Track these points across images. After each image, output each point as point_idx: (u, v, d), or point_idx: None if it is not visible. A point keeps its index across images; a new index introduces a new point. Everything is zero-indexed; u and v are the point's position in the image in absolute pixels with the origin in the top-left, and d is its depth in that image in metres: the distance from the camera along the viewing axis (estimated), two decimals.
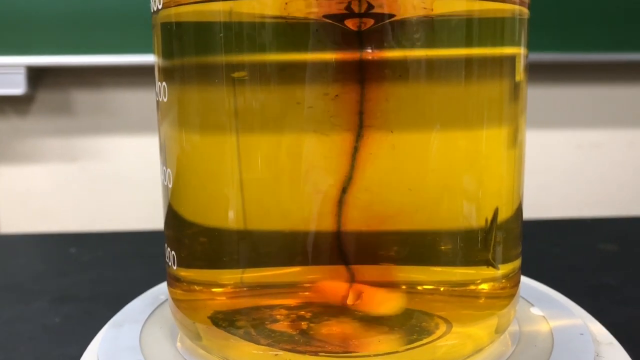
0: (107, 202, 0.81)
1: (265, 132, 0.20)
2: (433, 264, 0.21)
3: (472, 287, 0.22)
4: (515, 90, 0.22)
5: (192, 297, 0.23)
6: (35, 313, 0.38)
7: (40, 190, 0.81)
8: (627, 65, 0.83)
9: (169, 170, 0.23)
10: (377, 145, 0.20)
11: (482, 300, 0.22)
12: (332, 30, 0.19)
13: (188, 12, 0.21)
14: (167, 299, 0.28)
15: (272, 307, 0.22)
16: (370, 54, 0.19)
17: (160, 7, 0.22)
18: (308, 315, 0.21)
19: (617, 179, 0.86)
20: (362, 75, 0.19)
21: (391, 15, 0.19)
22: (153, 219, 0.71)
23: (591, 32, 0.78)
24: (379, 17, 0.19)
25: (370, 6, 0.19)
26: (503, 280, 0.23)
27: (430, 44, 0.20)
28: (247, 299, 0.22)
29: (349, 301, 0.21)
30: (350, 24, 0.19)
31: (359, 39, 0.19)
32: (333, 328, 0.21)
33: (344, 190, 0.20)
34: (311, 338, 0.21)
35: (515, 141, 0.23)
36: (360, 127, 0.20)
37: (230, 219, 0.21)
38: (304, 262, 0.21)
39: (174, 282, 0.24)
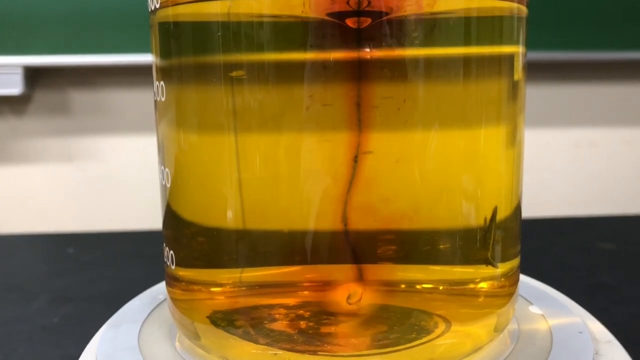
0: (104, 202, 0.81)
1: (263, 131, 0.20)
2: (432, 263, 0.21)
3: (471, 285, 0.22)
4: (514, 89, 0.22)
5: (190, 297, 0.23)
6: (34, 313, 0.38)
7: (38, 190, 0.81)
8: (624, 64, 0.83)
9: (167, 169, 0.23)
10: (375, 144, 0.20)
11: (481, 299, 0.22)
12: (331, 29, 0.19)
13: (186, 12, 0.21)
14: (165, 299, 0.28)
15: (270, 307, 0.22)
16: (368, 52, 0.19)
17: (157, 6, 0.22)
18: (307, 314, 0.21)
19: (614, 177, 0.86)
20: (360, 74, 0.19)
21: (389, 13, 0.19)
22: (151, 219, 0.71)
23: (588, 31, 0.78)
24: (377, 14, 0.19)
25: (369, 4, 0.19)
26: (502, 279, 0.23)
27: (429, 42, 0.20)
28: (245, 299, 0.22)
29: (348, 300, 0.21)
30: (350, 22, 0.19)
31: (357, 38, 0.19)
32: (332, 327, 0.21)
33: (342, 189, 0.20)
34: (310, 337, 0.21)
35: (514, 140, 0.23)
36: (358, 126, 0.20)
37: (229, 218, 0.21)
38: (302, 261, 0.21)
39: (173, 281, 0.24)
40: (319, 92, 0.19)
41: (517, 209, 0.24)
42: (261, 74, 0.20)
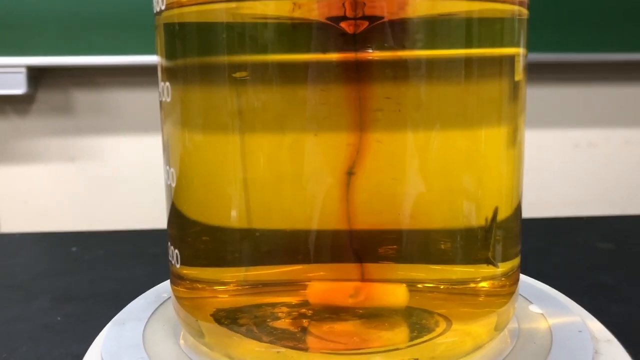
0: (107, 201, 0.81)
1: (267, 131, 0.20)
2: (433, 262, 0.21)
3: (472, 285, 0.22)
4: (515, 90, 0.22)
5: (195, 295, 0.23)
6: (36, 312, 0.38)
7: (40, 189, 0.81)
8: (623, 65, 0.83)
9: (172, 169, 0.23)
10: (377, 144, 0.20)
11: (481, 298, 0.23)
12: (334, 32, 0.19)
13: (191, 13, 0.21)
14: (169, 297, 0.28)
15: (274, 305, 0.22)
16: (370, 54, 0.19)
17: (163, 8, 0.22)
18: (310, 312, 0.21)
19: (613, 177, 0.87)
20: (362, 76, 0.20)
21: (390, 16, 0.19)
22: (152, 218, 0.71)
23: (587, 33, 0.78)
24: (377, 18, 0.19)
25: (365, 7, 0.19)
26: (502, 279, 0.23)
27: (429, 44, 0.20)
28: (249, 297, 0.22)
29: (350, 299, 0.21)
30: (348, 25, 0.19)
31: (359, 40, 0.19)
32: (334, 325, 0.21)
33: (345, 189, 0.20)
34: (313, 335, 0.21)
35: (514, 141, 0.23)
36: (361, 127, 0.20)
37: (234, 217, 0.21)
38: (305, 260, 0.21)
39: (177, 280, 0.24)
40: (320, 93, 0.20)
41: (518, 208, 0.24)
42: (266, 74, 0.20)
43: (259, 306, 0.22)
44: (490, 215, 0.22)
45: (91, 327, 0.26)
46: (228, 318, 0.22)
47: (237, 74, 0.20)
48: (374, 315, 0.21)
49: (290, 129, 0.20)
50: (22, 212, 0.81)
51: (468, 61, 0.21)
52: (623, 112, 0.85)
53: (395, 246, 0.21)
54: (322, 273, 0.21)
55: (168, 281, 0.28)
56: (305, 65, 0.19)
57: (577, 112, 0.85)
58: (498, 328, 0.23)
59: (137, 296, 0.29)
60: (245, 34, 0.20)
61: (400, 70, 0.20)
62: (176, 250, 0.24)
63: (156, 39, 0.24)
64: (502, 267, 0.23)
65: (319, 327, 0.21)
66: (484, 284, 0.23)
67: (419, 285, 0.22)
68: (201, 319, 0.22)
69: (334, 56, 0.19)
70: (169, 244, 0.24)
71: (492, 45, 0.21)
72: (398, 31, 0.19)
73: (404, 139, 0.20)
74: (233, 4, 0.20)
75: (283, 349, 0.21)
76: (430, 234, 0.21)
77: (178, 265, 0.24)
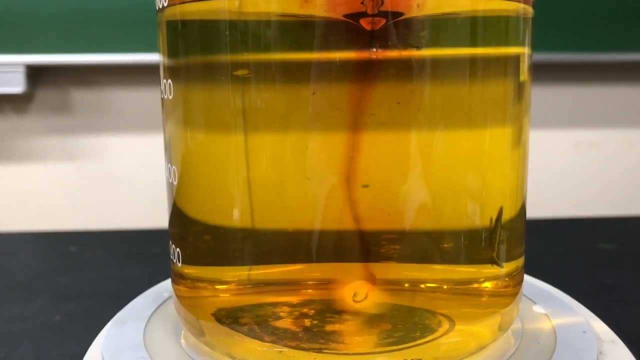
0: (106, 201, 0.81)
1: (271, 130, 0.20)
2: (437, 262, 0.21)
3: (476, 285, 0.22)
4: (520, 90, 0.22)
5: (196, 294, 0.23)
6: (36, 311, 0.38)
7: (39, 189, 0.81)
8: (624, 65, 0.83)
9: (174, 167, 0.23)
10: (382, 144, 0.20)
11: (485, 299, 0.23)
12: (338, 29, 0.19)
13: (194, 10, 0.21)
14: (170, 296, 0.28)
15: (276, 304, 0.22)
16: (376, 53, 0.19)
17: (165, 4, 0.22)
18: (312, 312, 0.21)
19: (614, 178, 0.87)
20: (369, 74, 0.19)
21: (396, 14, 0.19)
22: (152, 218, 0.71)
23: (588, 32, 0.78)
24: (386, 16, 0.19)
25: (382, 4, 0.19)
26: (506, 279, 0.23)
27: (437, 43, 0.20)
28: (251, 296, 0.22)
29: (353, 298, 0.21)
30: (366, 22, 0.19)
31: (366, 38, 0.19)
32: (337, 325, 0.21)
33: (348, 188, 0.20)
34: (315, 335, 0.21)
35: (519, 141, 0.23)
36: (366, 126, 0.20)
37: (235, 216, 0.21)
38: (308, 259, 0.21)
39: (179, 279, 0.24)
40: (325, 91, 0.19)
41: (522, 209, 0.24)
42: (269, 72, 0.20)
43: (260, 305, 0.22)
44: (495, 216, 0.22)
45: (91, 327, 0.26)
46: (229, 317, 0.22)
47: (240, 72, 0.20)
48: (377, 315, 0.21)
49: (294, 129, 0.20)
50: (20, 212, 0.81)
51: (475, 60, 0.20)
52: (624, 112, 0.85)
53: (398, 246, 0.21)
54: (324, 273, 0.21)
55: (168, 280, 0.28)
56: (312, 63, 0.19)
57: (577, 112, 0.84)
58: (502, 328, 0.23)
59: (137, 295, 0.29)
60: (249, 31, 0.20)
61: (408, 70, 0.19)
62: (177, 249, 0.23)
63: (158, 36, 0.23)
64: (506, 268, 0.23)
65: (321, 327, 0.21)
66: (488, 284, 0.22)
67: (422, 285, 0.22)
68: (202, 318, 0.22)
69: (342, 54, 0.19)
70: (170, 242, 0.24)
71: (498, 44, 0.21)
72: (408, 30, 0.19)
73: (411, 139, 0.20)
74: (237, 1, 0.20)
75: (285, 349, 0.21)
76: (434, 234, 0.21)
77: (179, 264, 0.23)
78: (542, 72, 0.81)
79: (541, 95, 0.82)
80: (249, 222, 0.21)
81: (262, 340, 0.21)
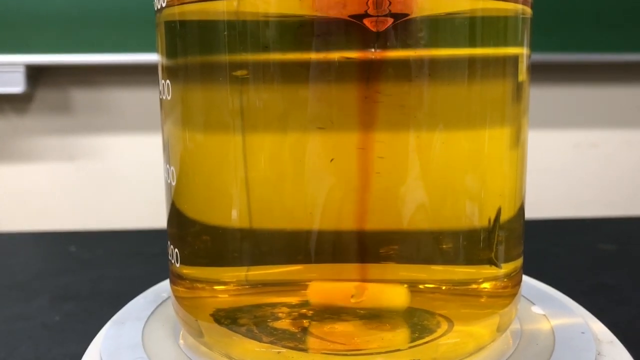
0: (106, 200, 0.81)
1: (270, 130, 0.20)
2: (436, 262, 0.21)
3: (474, 286, 0.22)
4: (518, 91, 0.22)
5: (194, 295, 0.23)
6: (35, 311, 0.38)
7: (39, 189, 0.81)
8: (624, 66, 0.83)
9: (172, 168, 0.23)
10: (381, 144, 0.20)
11: (483, 299, 0.23)
12: (340, 29, 0.19)
13: (192, 10, 0.21)
14: (169, 297, 0.28)
15: (274, 305, 0.22)
16: (377, 53, 0.19)
17: (164, 5, 0.22)
18: (310, 313, 0.21)
19: (614, 178, 0.87)
20: (368, 75, 0.19)
21: (396, 16, 0.19)
22: (152, 218, 0.71)
23: (588, 33, 0.78)
24: (401, 15, 0.19)
25: (390, 4, 0.19)
26: (505, 279, 0.23)
27: (437, 43, 0.20)
28: (249, 297, 0.22)
29: (352, 299, 0.21)
30: (370, 22, 0.19)
31: (369, 39, 0.19)
32: (335, 326, 0.21)
33: (347, 189, 0.20)
34: (313, 336, 0.21)
35: (517, 141, 0.23)
36: (365, 127, 0.20)
37: (234, 217, 0.21)
38: (306, 260, 0.21)
39: (177, 279, 0.24)
40: (325, 92, 0.19)
41: (521, 209, 0.24)
42: (267, 73, 0.20)
43: (259, 306, 0.22)
44: (493, 216, 0.22)
45: (90, 327, 0.26)
46: (228, 318, 0.22)
47: (239, 72, 0.20)
48: (375, 316, 0.21)
49: (294, 129, 0.20)
50: (20, 212, 0.81)
51: (474, 61, 0.20)
52: (624, 112, 0.85)
53: (397, 246, 0.21)
54: (323, 273, 0.21)
55: (167, 281, 0.28)
56: (311, 64, 0.19)
57: (577, 112, 0.84)
58: (500, 329, 0.23)
59: (136, 296, 0.29)
60: (247, 31, 0.20)
61: (407, 71, 0.19)
62: (176, 250, 0.23)
63: (157, 36, 0.23)
64: (505, 268, 0.23)
65: (319, 328, 0.21)
66: (486, 285, 0.22)
67: (421, 286, 0.22)
68: (201, 319, 0.22)
69: (342, 54, 0.19)
70: (169, 243, 0.24)
71: (499, 44, 0.21)
72: (406, 30, 0.19)
73: (410, 139, 0.20)
74: (235, 1, 0.20)
75: (283, 350, 0.21)
76: (433, 234, 0.21)
77: (178, 265, 0.23)
78: (542, 73, 0.81)
79: (541, 96, 0.82)
80: (247, 223, 0.21)
81: (260, 340, 0.21)
